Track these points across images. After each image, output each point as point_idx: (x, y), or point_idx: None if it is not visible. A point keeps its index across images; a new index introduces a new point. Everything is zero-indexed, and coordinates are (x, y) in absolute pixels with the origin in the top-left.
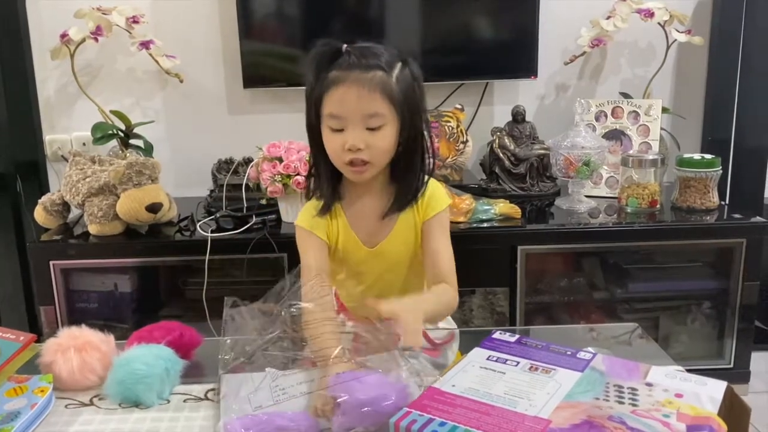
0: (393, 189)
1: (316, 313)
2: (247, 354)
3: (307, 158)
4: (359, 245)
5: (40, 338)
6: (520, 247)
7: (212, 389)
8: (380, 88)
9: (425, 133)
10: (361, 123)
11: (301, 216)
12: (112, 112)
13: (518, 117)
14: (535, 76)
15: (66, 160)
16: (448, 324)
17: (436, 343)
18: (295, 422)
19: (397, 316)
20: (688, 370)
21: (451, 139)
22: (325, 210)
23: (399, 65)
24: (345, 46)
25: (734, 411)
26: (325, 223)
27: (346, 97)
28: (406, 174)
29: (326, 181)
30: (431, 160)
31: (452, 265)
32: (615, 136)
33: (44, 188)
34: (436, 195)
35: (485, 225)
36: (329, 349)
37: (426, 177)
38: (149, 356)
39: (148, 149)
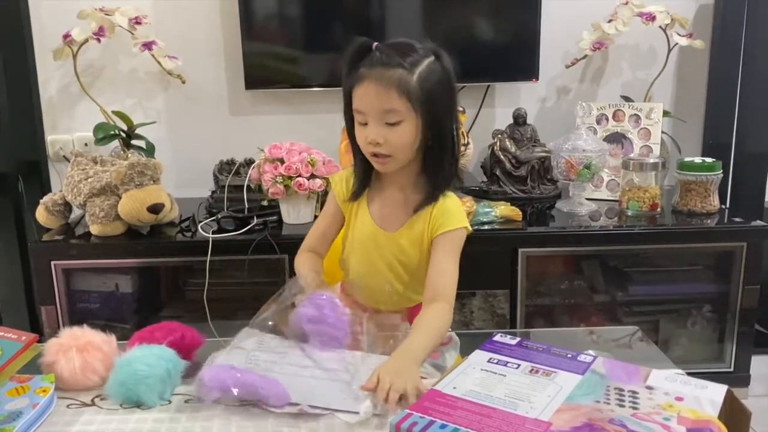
0: (420, 183)
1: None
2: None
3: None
4: (374, 228)
5: (41, 338)
6: (520, 250)
7: None
8: (396, 86)
9: (454, 128)
10: (380, 118)
11: (337, 174)
12: (114, 112)
13: (519, 119)
14: (537, 78)
15: (68, 160)
16: None
17: None
18: (265, 387)
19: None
20: (689, 374)
21: None
22: (355, 196)
23: (427, 62)
24: (375, 43)
25: (734, 414)
26: (347, 192)
27: (367, 93)
28: (433, 169)
29: (360, 167)
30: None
31: (454, 285)
32: (616, 139)
33: (46, 188)
34: (451, 212)
35: (486, 227)
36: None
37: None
38: (151, 357)
39: (149, 150)
